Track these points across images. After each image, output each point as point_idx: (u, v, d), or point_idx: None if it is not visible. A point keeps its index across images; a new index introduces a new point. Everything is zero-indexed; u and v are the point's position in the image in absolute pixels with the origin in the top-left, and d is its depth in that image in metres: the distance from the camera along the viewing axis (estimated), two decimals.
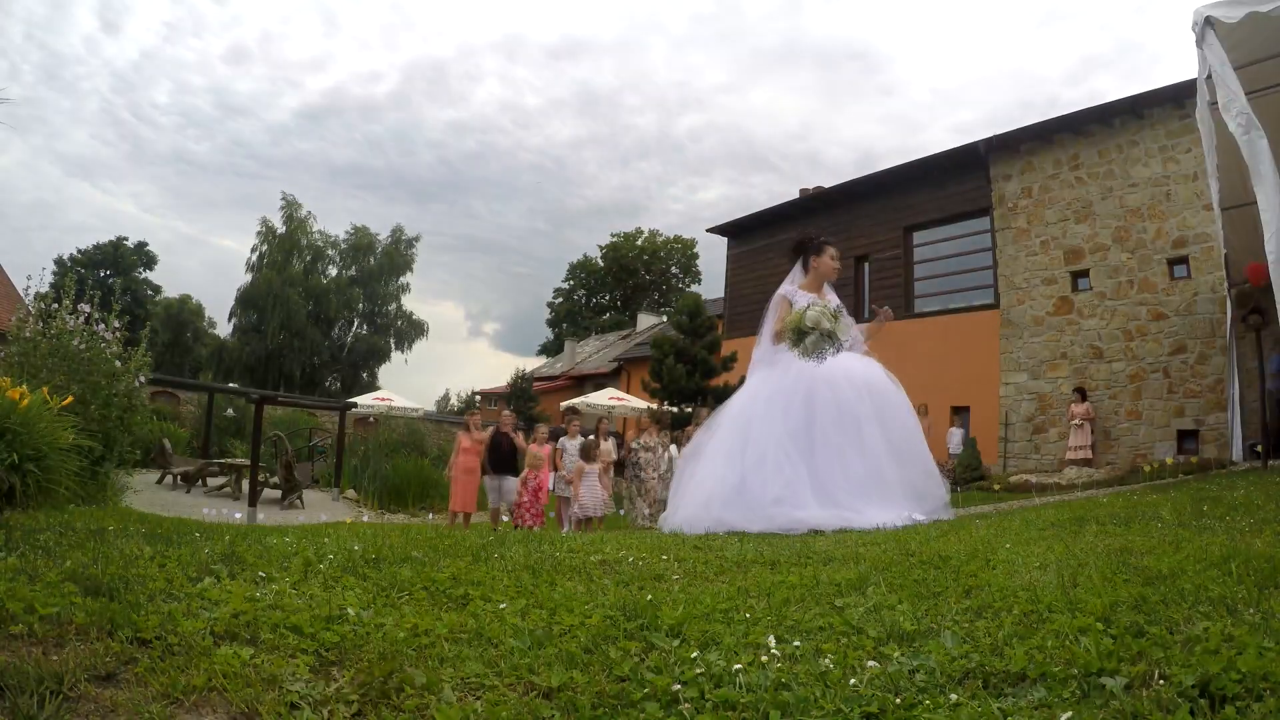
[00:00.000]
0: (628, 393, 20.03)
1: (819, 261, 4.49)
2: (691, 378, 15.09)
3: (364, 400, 19.80)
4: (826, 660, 1.07)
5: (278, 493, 12.01)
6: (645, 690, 0.94)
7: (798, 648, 1.13)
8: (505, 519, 8.47)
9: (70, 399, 2.95)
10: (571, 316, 44.69)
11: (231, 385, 27.62)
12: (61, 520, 2.39)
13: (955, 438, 12.49)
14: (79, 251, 42.29)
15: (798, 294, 4.43)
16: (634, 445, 9.00)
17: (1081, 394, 11.30)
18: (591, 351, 32.27)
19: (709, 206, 65.47)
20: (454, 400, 45.61)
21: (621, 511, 9.18)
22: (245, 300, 36.69)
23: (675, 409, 15.01)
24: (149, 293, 43.28)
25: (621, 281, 44.42)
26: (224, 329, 40.11)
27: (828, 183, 17.85)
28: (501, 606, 1.44)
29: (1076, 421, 11.09)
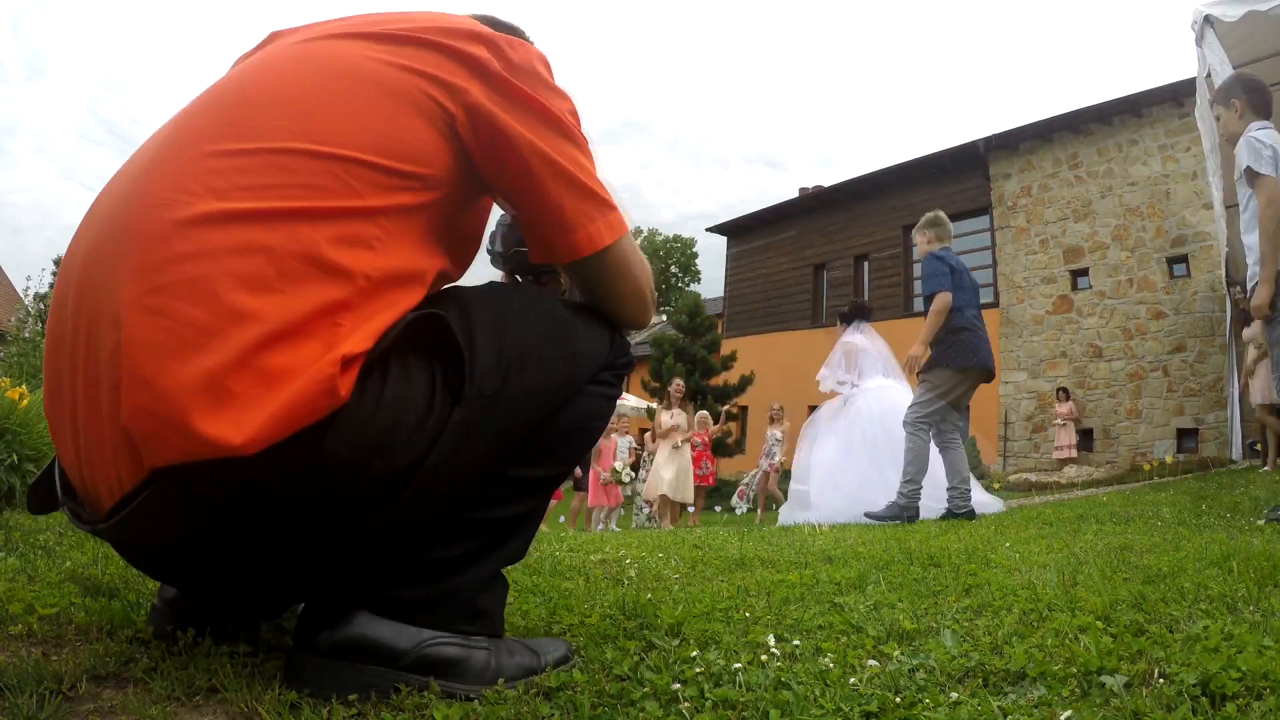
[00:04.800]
0: (627, 391, 20.05)
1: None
2: (691, 377, 15.11)
3: None
4: (826, 659, 1.07)
5: None
6: (645, 689, 0.94)
7: (797, 646, 1.13)
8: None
9: None
10: None
11: None
12: (61, 520, 2.40)
13: None
14: None
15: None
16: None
17: (1065, 393, 11.40)
18: None
19: (725, 208, 65.55)
20: None
21: (690, 509, 9.04)
22: None
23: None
24: None
25: None
26: None
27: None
28: None
29: (1059, 421, 11.27)
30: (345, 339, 0.81)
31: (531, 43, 1.07)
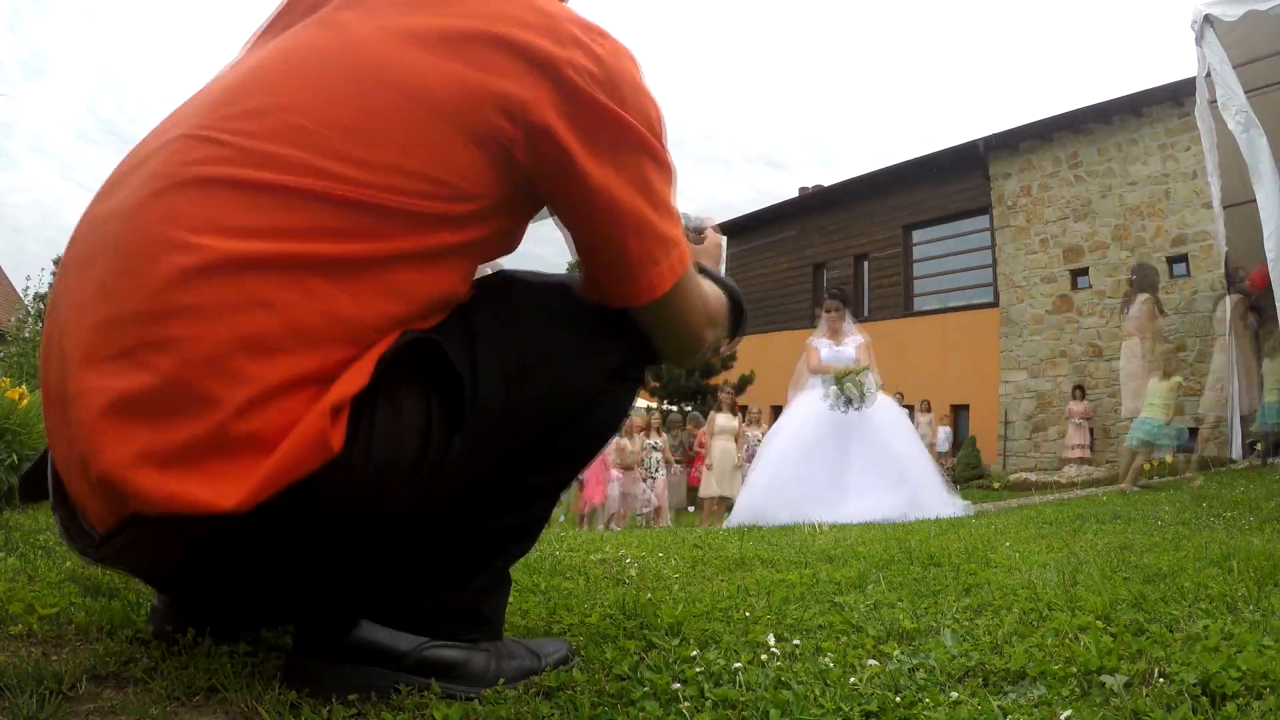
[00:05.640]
0: None
1: (821, 315, 5.82)
2: (691, 377, 15.10)
3: None
4: (826, 659, 1.07)
5: None
6: (645, 689, 0.94)
7: (797, 646, 1.13)
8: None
9: None
10: None
11: None
12: None
13: (941, 436, 12.41)
14: None
15: (820, 342, 5.64)
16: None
17: (1081, 391, 11.23)
18: None
19: (726, 207, 65.52)
20: None
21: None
22: None
23: (675, 408, 15.02)
24: None
25: None
26: None
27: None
28: None
29: (1076, 420, 10.95)
30: (337, 384, 0.74)
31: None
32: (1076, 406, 11.05)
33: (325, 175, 0.75)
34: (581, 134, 0.82)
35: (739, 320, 1.08)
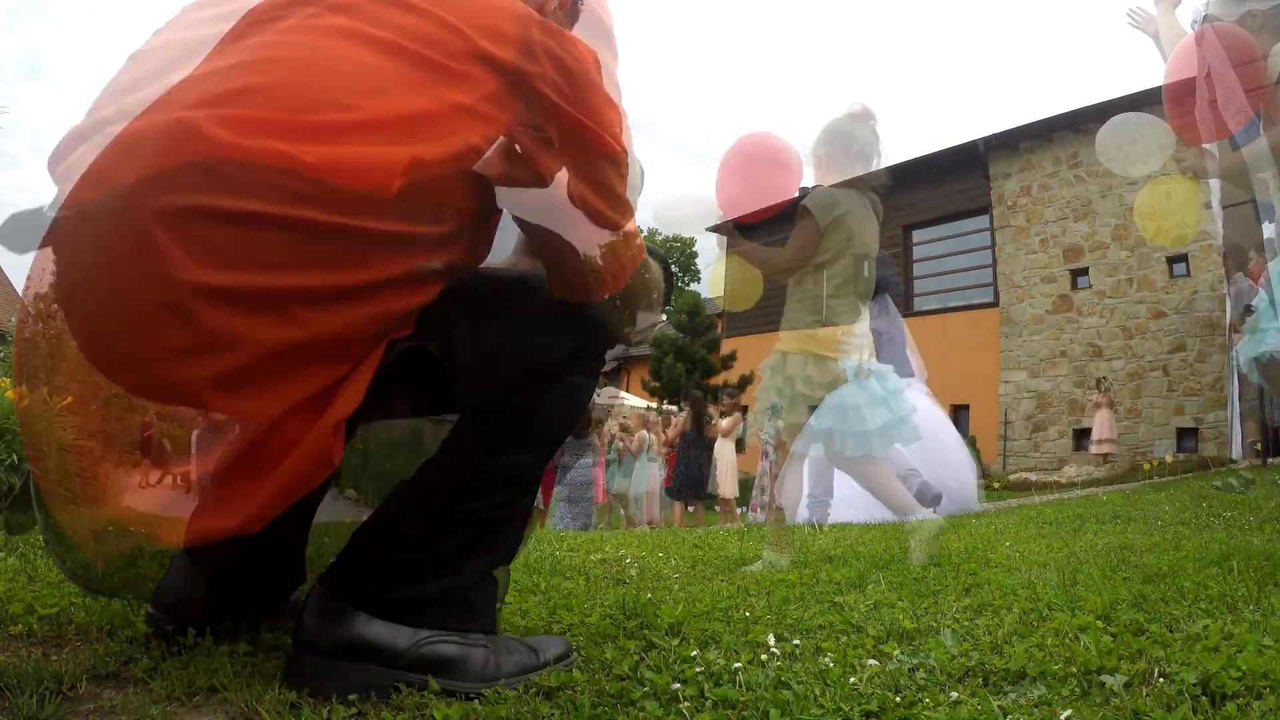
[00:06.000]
0: (627, 391, 20.02)
1: None
2: (691, 376, 15.12)
3: None
4: (826, 659, 1.07)
5: None
6: (645, 689, 0.94)
7: (797, 646, 1.13)
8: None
9: (70, 399, 2.95)
10: None
11: None
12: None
13: None
14: None
15: None
16: None
17: (1105, 382, 10.62)
18: None
19: None
20: None
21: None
22: None
23: (674, 407, 15.03)
24: None
25: None
26: None
27: None
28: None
29: (1103, 411, 10.26)
30: (336, 403, 0.78)
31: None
32: (1102, 399, 10.34)
33: (307, 201, 0.76)
34: (550, 149, 0.88)
35: (670, 287, 1.17)
